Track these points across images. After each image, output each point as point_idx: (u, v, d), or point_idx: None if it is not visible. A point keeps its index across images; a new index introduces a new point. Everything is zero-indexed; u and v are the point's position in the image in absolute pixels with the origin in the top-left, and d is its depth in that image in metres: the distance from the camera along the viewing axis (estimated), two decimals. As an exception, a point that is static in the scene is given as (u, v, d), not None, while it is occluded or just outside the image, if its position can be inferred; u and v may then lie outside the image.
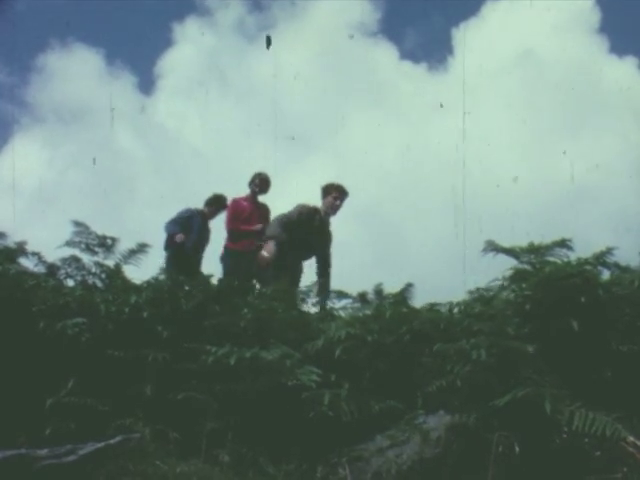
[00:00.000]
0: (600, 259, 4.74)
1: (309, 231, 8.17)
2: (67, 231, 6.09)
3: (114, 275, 6.00)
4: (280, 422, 4.40)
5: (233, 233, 9.19)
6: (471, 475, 3.86)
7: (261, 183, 9.26)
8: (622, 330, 4.36)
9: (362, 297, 6.29)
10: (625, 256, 5.51)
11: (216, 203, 9.80)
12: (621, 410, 3.73)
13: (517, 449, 3.84)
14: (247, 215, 9.20)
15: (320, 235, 8.35)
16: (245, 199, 9.36)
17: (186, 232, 9.41)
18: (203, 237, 9.79)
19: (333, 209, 8.46)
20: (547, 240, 4.93)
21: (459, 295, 5.59)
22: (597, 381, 4.16)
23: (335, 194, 8.38)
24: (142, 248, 6.17)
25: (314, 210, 8.41)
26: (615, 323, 4.40)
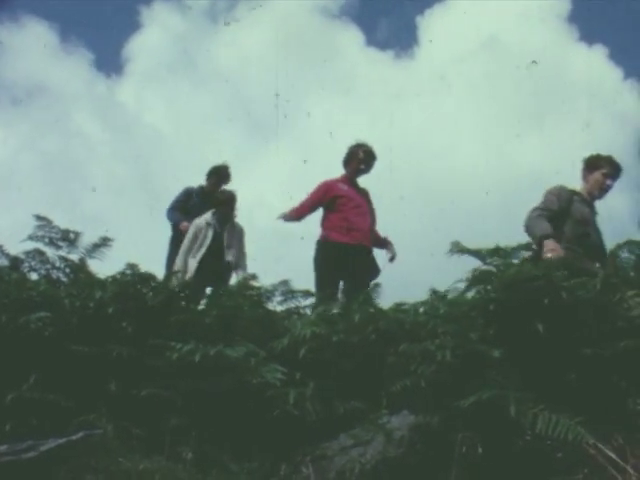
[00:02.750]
0: (564, 262, 4.78)
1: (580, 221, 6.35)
2: (22, 216, 6.04)
3: (79, 269, 5.96)
4: (244, 420, 4.40)
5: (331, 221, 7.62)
6: (434, 475, 3.87)
7: (367, 157, 7.77)
8: (586, 333, 4.40)
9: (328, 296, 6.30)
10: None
11: (215, 174, 9.00)
12: (584, 413, 3.76)
13: (480, 450, 3.86)
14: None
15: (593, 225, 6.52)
16: (342, 180, 7.82)
17: (188, 216, 8.61)
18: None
19: (601, 190, 6.58)
20: (512, 242, 4.97)
21: (425, 285, 5.61)
22: (561, 384, 4.19)
23: (606, 169, 6.54)
24: (106, 242, 6.13)
25: (573, 193, 6.51)
26: (579, 326, 4.44)
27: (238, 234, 8.53)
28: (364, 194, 7.88)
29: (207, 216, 8.48)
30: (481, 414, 3.91)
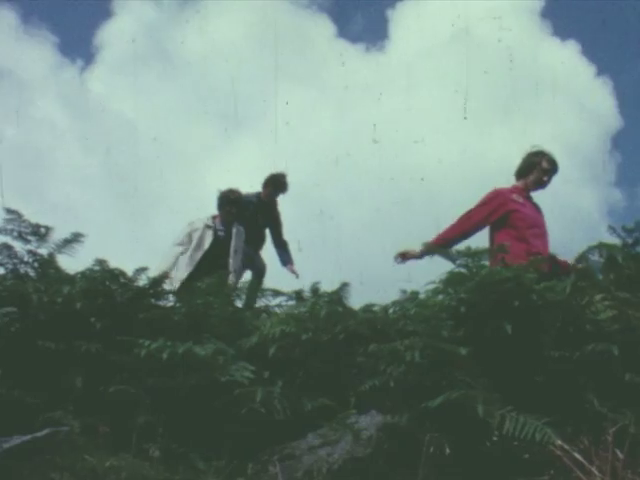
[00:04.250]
0: (534, 265, 4.80)
1: None
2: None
3: (47, 264, 5.91)
4: (212, 418, 4.38)
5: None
6: (402, 475, 3.88)
7: (551, 168, 6.51)
8: (554, 336, 4.43)
9: (298, 295, 6.29)
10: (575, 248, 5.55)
11: (272, 184, 8.64)
12: (551, 415, 3.79)
13: (448, 450, 3.87)
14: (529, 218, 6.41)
15: None
16: (516, 192, 6.48)
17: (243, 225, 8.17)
18: (255, 228, 8.52)
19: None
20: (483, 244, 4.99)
21: (392, 280, 5.61)
22: (529, 385, 4.22)
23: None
24: (77, 238, 6.08)
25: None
26: (548, 328, 4.47)
27: (241, 235, 8.25)
28: (539, 210, 6.60)
29: (204, 218, 8.22)
30: (449, 414, 3.93)
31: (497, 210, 6.28)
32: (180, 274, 7.73)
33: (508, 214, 6.26)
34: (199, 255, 7.94)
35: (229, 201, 8.15)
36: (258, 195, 8.80)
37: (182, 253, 7.96)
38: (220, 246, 8.00)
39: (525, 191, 6.48)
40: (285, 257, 8.93)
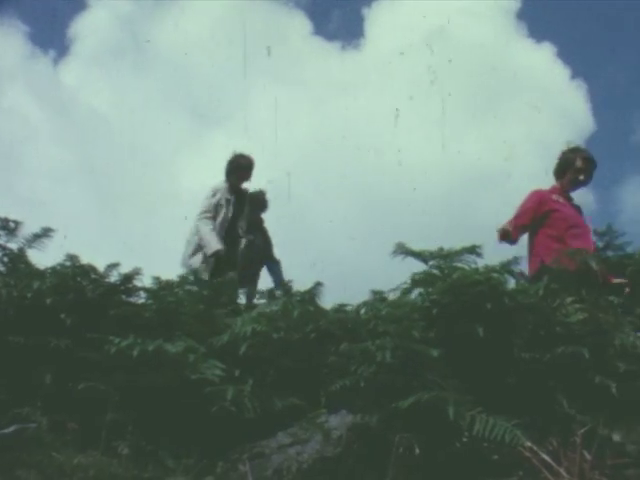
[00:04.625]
0: (507, 267, 4.83)
1: None
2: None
3: (17, 259, 5.86)
4: (182, 416, 4.36)
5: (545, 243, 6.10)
6: (371, 475, 3.88)
7: (586, 165, 6.34)
8: (525, 338, 4.46)
9: (270, 294, 6.29)
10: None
11: (250, 203, 8.07)
12: (521, 416, 3.82)
13: (418, 451, 3.88)
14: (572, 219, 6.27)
15: None
16: (555, 192, 6.36)
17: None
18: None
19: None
20: (457, 246, 5.00)
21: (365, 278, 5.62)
22: (499, 387, 4.24)
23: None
24: (47, 232, 6.02)
25: None
26: (519, 331, 4.49)
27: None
28: (580, 211, 6.46)
29: (222, 186, 7.96)
30: (419, 415, 3.94)
31: (537, 210, 6.19)
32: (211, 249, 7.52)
33: (548, 214, 6.17)
34: (223, 231, 7.74)
35: (239, 167, 7.95)
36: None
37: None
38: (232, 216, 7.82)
39: (563, 191, 6.37)
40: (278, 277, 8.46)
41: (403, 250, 5.49)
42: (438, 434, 3.95)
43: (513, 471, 3.82)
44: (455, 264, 4.88)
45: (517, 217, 6.15)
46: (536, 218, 6.18)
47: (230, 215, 7.79)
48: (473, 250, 4.91)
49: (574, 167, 6.31)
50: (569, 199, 6.38)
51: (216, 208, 7.82)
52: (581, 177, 6.34)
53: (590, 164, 6.34)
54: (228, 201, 7.85)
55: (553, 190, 6.36)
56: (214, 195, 7.88)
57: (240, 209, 7.88)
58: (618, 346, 4.58)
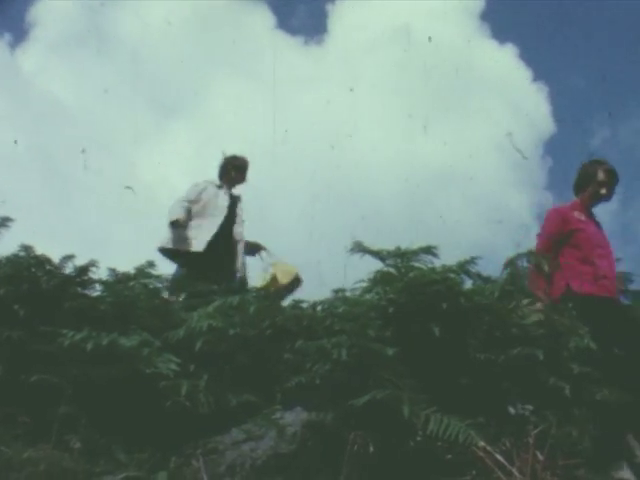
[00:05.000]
0: (463, 268, 4.85)
1: None
2: None
3: (-30, 249, 5.77)
4: (136, 410, 4.32)
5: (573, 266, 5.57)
6: (325, 472, 3.89)
7: (609, 179, 5.85)
8: (481, 339, 4.49)
9: (227, 289, 6.25)
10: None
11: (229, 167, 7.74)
12: (475, 416, 3.85)
13: (372, 449, 3.89)
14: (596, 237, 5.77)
15: None
16: (576, 208, 5.85)
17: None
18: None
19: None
20: (414, 245, 5.01)
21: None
22: (454, 387, 4.27)
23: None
24: (5, 222, 5.94)
25: None
26: (474, 331, 4.53)
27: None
28: (601, 229, 5.95)
29: (210, 180, 7.76)
30: (374, 414, 3.95)
31: (561, 231, 5.72)
32: (205, 235, 7.35)
33: (572, 233, 5.70)
34: (220, 219, 7.49)
35: (233, 167, 7.78)
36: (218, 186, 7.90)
37: (194, 213, 7.46)
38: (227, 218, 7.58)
39: (584, 207, 5.88)
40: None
41: (360, 248, 5.50)
42: (393, 433, 3.96)
43: (466, 470, 3.85)
44: (412, 263, 4.90)
45: (542, 244, 5.72)
46: (558, 238, 5.71)
47: (224, 217, 7.57)
48: (429, 250, 4.93)
49: (595, 180, 5.85)
50: (591, 215, 5.91)
51: (199, 196, 7.60)
52: (603, 191, 5.87)
53: (613, 177, 5.90)
54: (223, 201, 7.66)
55: (573, 206, 5.87)
56: (205, 189, 7.66)
57: (234, 213, 7.69)
58: (572, 349, 4.64)
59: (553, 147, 21.29)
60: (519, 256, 5.40)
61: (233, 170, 7.78)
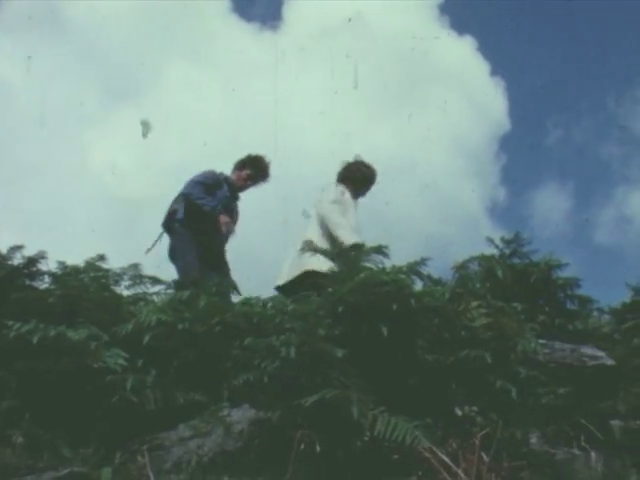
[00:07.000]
0: (414, 269, 4.87)
1: None
2: None
3: None
4: (81, 405, 4.28)
5: None
6: (271, 470, 3.88)
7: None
8: (430, 340, 4.52)
9: (177, 284, 6.22)
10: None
11: (251, 166, 7.35)
12: (422, 417, 3.87)
13: (319, 448, 3.89)
14: None
15: None
16: None
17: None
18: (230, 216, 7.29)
19: None
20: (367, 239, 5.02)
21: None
22: (402, 388, 4.29)
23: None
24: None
25: None
26: (424, 333, 4.55)
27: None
28: None
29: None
30: (322, 413, 3.95)
31: None
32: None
33: None
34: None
35: (364, 179, 7.18)
36: (228, 180, 7.52)
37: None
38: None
39: None
40: None
41: (311, 247, 5.52)
42: (340, 432, 3.97)
43: (412, 471, 3.87)
44: (363, 264, 4.91)
45: None
46: None
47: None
48: (380, 250, 4.94)
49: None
50: None
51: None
52: None
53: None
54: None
55: None
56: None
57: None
58: (520, 352, 4.68)
59: (508, 144, 21.48)
60: (470, 260, 5.45)
61: (252, 169, 7.43)
